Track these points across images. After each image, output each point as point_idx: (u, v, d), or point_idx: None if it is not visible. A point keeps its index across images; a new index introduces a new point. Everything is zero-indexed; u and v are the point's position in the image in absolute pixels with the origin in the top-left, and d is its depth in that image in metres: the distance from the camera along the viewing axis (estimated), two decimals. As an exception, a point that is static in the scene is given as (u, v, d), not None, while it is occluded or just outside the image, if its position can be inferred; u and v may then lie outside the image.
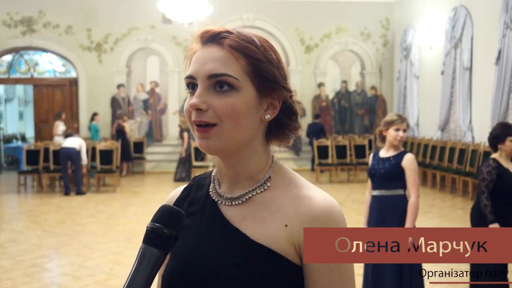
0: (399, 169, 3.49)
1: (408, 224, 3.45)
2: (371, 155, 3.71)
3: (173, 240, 0.86)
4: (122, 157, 11.34)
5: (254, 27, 12.24)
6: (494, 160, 3.56)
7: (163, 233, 0.84)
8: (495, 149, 3.60)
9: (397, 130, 3.47)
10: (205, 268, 0.92)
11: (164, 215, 0.86)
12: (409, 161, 3.51)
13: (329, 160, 11.28)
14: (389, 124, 3.50)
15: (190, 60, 0.94)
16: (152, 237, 0.84)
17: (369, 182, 3.66)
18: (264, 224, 0.92)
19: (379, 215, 3.51)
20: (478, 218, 3.58)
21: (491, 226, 3.44)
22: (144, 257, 0.83)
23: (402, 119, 3.50)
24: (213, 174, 1.03)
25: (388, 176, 3.50)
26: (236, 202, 0.95)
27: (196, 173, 10.25)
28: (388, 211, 3.50)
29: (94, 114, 11.95)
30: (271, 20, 12.80)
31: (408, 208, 3.48)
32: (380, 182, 3.54)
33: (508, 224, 3.45)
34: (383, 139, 3.58)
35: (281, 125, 0.97)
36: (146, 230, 0.85)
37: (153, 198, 9.25)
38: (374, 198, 3.58)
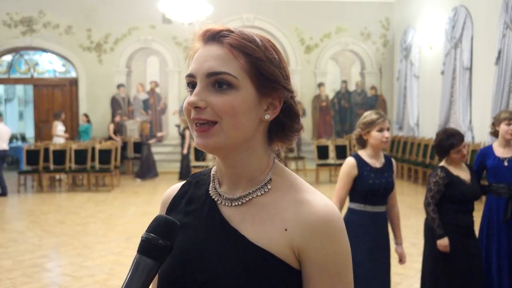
0: None
1: (400, 236, 3.23)
2: (355, 162, 3.05)
3: (168, 250, 0.86)
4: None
5: (254, 27, 12.24)
6: (442, 168, 3.31)
7: (158, 243, 0.85)
8: (443, 158, 3.37)
9: (381, 130, 3.00)
10: (203, 268, 0.92)
11: (159, 226, 0.87)
12: (395, 167, 3.18)
13: (329, 160, 11.29)
14: (371, 125, 3.01)
15: (192, 59, 0.94)
16: (146, 248, 0.85)
17: (340, 194, 3.04)
18: (264, 227, 0.91)
19: (378, 233, 3.07)
20: (428, 230, 3.38)
21: (439, 241, 3.23)
22: (138, 267, 0.84)
23: (383, 116, 3.04)
24: (212, 172, 1.02)
25: (390, 190, 3.11)
26: (236, 203, 0.95)
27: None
28: (384, 228, 3.12)
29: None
30: (271, 20, 12.80)
31: (397, 218, 3.21)
32: (381, 198, 3.07)
33: (464, 234, 3.28)
34: (363, 143, 3.08)
35: (282, 126, 0.96)
36: (141, 240, 0.86)
37: (153, 198, 9.25)
38: (370, 215, 3.05)
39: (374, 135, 3.00)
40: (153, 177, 11.57)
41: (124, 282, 0.83)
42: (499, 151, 3.53)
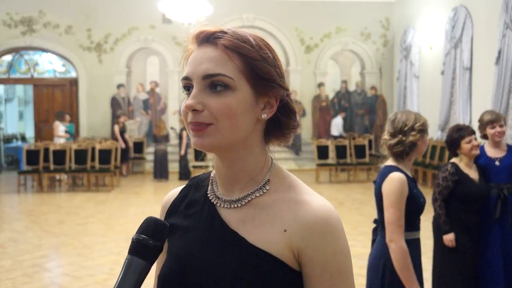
0: None
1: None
2: (405, 177, 2.38)
3: (158, 251, 0.88)
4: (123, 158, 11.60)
5: (254, 27, 12.24)
6: (453, 164, 3.33)
7: (149, 244, 0.87)
8: (455, 154, 3.41)
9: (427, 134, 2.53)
10: (203, 271, 0.92)
11: (149, 227, 0.89)
12: None
13: (329, 160, 11.29)
14: (427, 128, 2.50)
15: (187, 61, 0.94)
16: (137, 248, 0.87)
17: (402, 224, 2.36)
18: (263, 228, 0.91)
19: (420, 265, 2.53)
20: (438, 227, 3.38)
21: (445, 236, 3.28)
22: (129, 267, 0.86)
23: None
24: (211, 175, 1.02)
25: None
26: (235, 205, 0.95)
27: (195, 173, 10.25)
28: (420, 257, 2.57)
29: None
30: (271, 20, 12.79)
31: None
32: (420, 218, 2.56)
33: (469, 234, 3.31)
34: (408, 152, 2.46)
35: (279, 124, 0.96)
36: (132, 241, 0.88)
37: (153, 198, 9.26)
38: (417, 243, 2.49)
39: (426, 140, 2.49)
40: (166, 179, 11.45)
41: (116, 283, 0.85)
42: (490, 152, 3.55)
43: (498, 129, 3.48)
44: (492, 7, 8.64)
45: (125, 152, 11.70)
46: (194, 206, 1.00)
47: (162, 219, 1.04)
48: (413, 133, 2.42)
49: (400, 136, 2.44)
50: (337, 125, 12.79)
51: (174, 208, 1.03)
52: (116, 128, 11.77)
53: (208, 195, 0.99)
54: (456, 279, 3.33)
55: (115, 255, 5.55)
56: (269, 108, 0.94)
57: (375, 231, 2.58)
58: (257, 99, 0.92)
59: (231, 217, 0.94)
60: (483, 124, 3.54)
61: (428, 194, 3.40)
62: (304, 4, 12.87)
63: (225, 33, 0.91)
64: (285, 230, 0.90)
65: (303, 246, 0.89)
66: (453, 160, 3.41)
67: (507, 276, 3.41)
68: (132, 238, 0.88)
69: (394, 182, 2.36)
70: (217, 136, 0.89)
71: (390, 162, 2.48)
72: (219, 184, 0.99)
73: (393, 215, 2.33)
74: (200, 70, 0.90)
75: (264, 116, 0.93)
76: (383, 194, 2.39)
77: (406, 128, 2.43)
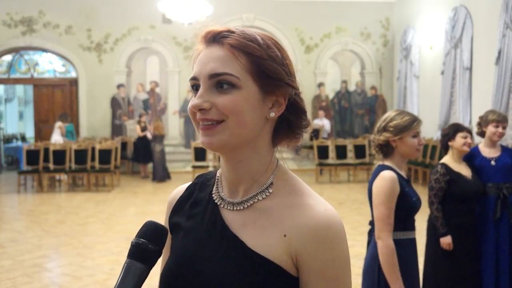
0: None
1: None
2: (395, 176, 2.36)
3: (157, 255, 0.89)
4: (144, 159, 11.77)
5: (254, 27, 12.24)
6: (443, 165, 3.34)
7: (148, 248, 0.87)
8: (447, 149, 3.42)
9: (416, 135, 2.49)
10: (203, 272, 0.92)
11: (149, 231, 0.89)
12: None
13: (329, 160, 11.29)
14: (405, 129, 2.43)
15: (195, 62, 0.94)
16: (137, 252, 0.87)
17: (391, 222, 2.33)
18: (264, 233, 0.91)
19: (417, 265, 2.51)
20: (432, 228, 3.38)
21: (442, 239, 3.27)
22: (129, 271, 0.86)
23: (418, 118, 2.50)
24: (217, 175, 1.02)
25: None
26: (238, 208, 0.94)
27: (197, 172, 10.29)
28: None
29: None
30: (271, 20, 12.80)
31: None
32: (414, 218, 2.52)
33: (463, 235, 3.31)
34: (388, 152, 2.47)
35: (289, 123, 0.95)
36: (131, 245, 0.88)
37: (153, 198, 9.25)
38: (412, 243, 2.45)
39: (409, 142, 2.41)
40: (167, 179, 11.43)
41: (115, 286, 0.85)
42: (486, 151, 3.56)
43: (500, 129, 3.50)
44: (492, 7, 8.64)
45: (148, 151, 11.76)
46: (198, 206, 1.00)
47: (168, 215, 1.05)
48: (385, 133, 2.42)
49: (373, 135, 2.49)
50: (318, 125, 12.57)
51: (179, 206, 1.03)
52: (138, 128, 11.80)
53: (213, 196, 0.99)
54: (449, 282, 3.31)
55: (115, 255, 5.55)
56: (277, 107, 0.93)
57: (370, 232, 2.56)
58: (264, 98, 0.91)
59: (233, 219, 0.94)
60: (487, 121, 3.54)
61: (427, 194, 3.40)
62: (304, 4, 12.87)
63: (232, 32, 0.91)
64: (284, 235, 0.89)
65: (301, 251, 0.88)
66: (443, 160, 3.41)
67: (500, 279, 3.40)
68: (132, 242, 0.88)
69: (385, 180, 2.34)
70: (226, 134, 0.89)
71: (382, 161, 2.49)
72: (224, 185, 0.98)
73: (382, 213, 2.32)
74: (206, 69, 0.90)
75: (272, 114, 0.92)
76: (373, 192, 2.38)
77: (379, 129, 2.47)
